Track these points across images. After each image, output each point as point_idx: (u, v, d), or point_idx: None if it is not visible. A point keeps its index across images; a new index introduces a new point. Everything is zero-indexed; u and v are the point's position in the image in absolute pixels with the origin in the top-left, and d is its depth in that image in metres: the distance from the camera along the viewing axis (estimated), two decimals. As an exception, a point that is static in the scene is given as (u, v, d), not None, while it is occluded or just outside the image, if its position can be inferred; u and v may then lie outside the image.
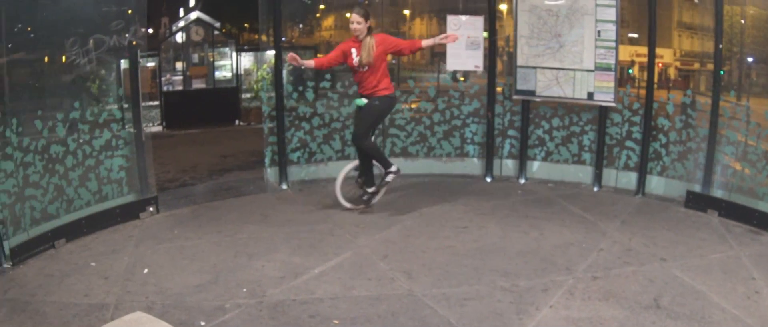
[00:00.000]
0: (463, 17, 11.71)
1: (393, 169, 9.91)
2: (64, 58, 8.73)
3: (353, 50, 9.63)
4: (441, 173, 12.28)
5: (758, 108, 9.67)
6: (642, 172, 11.10)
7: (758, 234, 9.21)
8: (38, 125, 8.39)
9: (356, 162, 10.27)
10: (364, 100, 9.71)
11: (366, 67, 9.56)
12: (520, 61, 11.38)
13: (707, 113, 10.12)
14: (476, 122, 12.32)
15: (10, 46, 8.12)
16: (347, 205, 10.09)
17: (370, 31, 9.63)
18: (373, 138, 10.37)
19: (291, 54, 9.57)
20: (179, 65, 22.18)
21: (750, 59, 10.04)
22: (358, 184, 10.24)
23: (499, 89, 12.04)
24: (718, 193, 10.15)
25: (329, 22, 13.96)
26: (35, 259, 8.11)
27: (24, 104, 8.32)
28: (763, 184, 9.53)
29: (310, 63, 9.95)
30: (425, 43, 10.02)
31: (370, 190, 10.09)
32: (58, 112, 8.67)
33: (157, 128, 19.82)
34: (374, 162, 10.07)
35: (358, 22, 9.52)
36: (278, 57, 11.18)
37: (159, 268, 7.72)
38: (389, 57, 10.13)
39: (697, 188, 10.34)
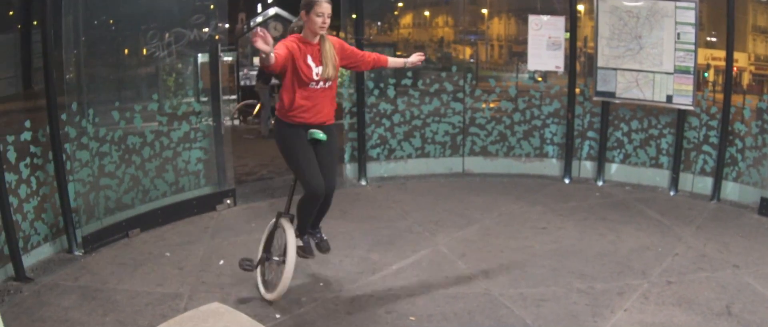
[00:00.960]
0: (545, 17, 11.68)
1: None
2: (144, 51, 8.82)
3: (309, 57, 6.78)
4: (520, 173, 12.24)
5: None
6: (718, 177, 10.95)
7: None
8: (115, 116, 8.51)
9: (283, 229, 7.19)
10: (321, 133, 6.97)
11: (327, 83, 6.90)
12: (600, 62, 11.32)
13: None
14: (556, 123, 12.28)
15: (87, 38, 8.22)
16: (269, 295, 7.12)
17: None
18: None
19: (257, 29, 6.07)
20: (256, 60, 22.27)
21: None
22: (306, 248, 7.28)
23: (578, 90, 11.98)
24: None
25: (408, 20, 13.94)
26: (108, 247, 8.26)
27: (101, 96, 8.42)
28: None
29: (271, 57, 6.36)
30: (392, 61, 7.83)
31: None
32: (136, 103, 8.77)
33: (235, 122, 19.92)
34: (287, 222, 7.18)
35: (329, 16, 6.77)
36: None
37: (235, 259, 7.67)
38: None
39: (771, 195, 10.15)
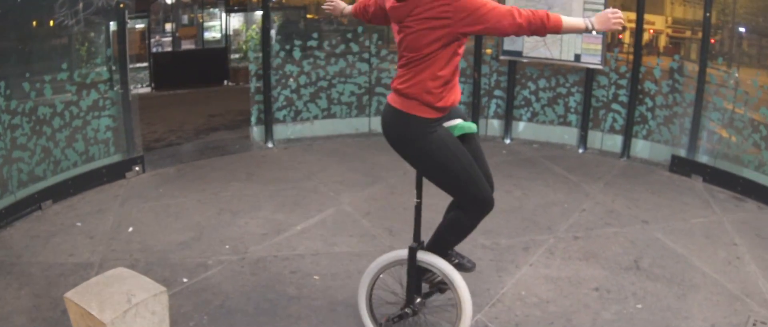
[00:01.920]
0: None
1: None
2: (51, 22, 8.74)
3: None
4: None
5: (746, 77, 9.71)
6: (627, 135, 11.14)
7: (742, 200, 9.31)
8: (26, 87, 8.40)
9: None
10: (470, 122, 5.40)
11: None
12: (507, 22, 11.25)
13: (694, 79, 10.17)
14: (463, 82, 12.26)
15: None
16: None
17: None
18: None
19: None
20: (168, 27, 22.15)
21: (742, 29, 10.07)
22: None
23: (488, 51, 12.07)
24: (703, 158, 10.19)
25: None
26: (22, 221, 8.13)
27: (11, 68, 8.34)
28: (749, 152, 9.58)
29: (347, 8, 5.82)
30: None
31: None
32: (45, 74, 8.68)
33: (146, 89, 19.79)
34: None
35: None
36: (266, 16, 11.16)
37: (144, 226, 7.79)
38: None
39: (682, 153, 10.38)
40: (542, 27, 4.57)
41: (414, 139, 5.05)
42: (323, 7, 5.99)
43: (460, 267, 5.43)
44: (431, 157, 5.05)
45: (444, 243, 5.39)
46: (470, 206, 5.28)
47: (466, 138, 5.29)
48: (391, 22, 5.06)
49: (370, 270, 5.52)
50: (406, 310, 5.42)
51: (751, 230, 8.26)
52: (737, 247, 7.70)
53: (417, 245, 5.30)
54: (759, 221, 8.61)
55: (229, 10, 22.33)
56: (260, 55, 11.24)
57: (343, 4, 5.84)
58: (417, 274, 5.35)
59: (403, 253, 5.34)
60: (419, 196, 5.37)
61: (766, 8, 9.79)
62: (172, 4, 22.52)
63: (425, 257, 5.28)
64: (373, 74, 12.12)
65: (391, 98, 5.05)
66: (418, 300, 5.44)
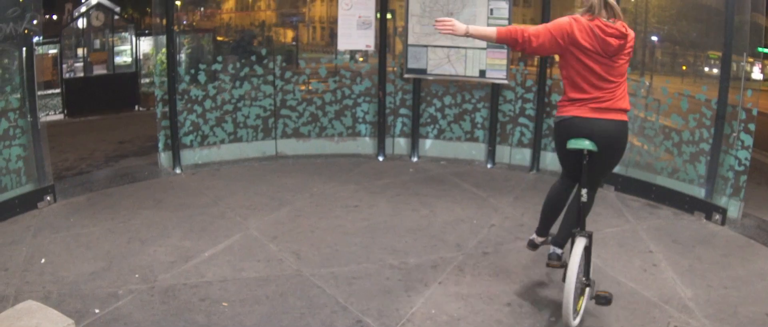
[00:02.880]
0: (355, -4, 11.74)
1: (532, 237, 7.10)
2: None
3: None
4: (333, 153, 12.33)
5: (658, 85, 9.90)
6: (536, 148, 11.36)
7: (656, 207, 9.57)
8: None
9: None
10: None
11: None
12: (411, 40, 11.49)
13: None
14: (368, 101, 12.42)
15: None
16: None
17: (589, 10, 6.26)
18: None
19: (442, 20, 6.37)
20: (81, 52, 21.95)
21: (654, 38, 10.21)
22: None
23: (391, 69, 12.15)
24: (615, 168, 10.29)
25: (230, 4, 13.87)
26: (-64, 253, 8.00)
27: None
28: (662, 159, 9.76)
29: (490, 32, 6.41)
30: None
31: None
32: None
33: (59, 116, 19.55)
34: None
35: None
36: (170, 41, 11.06)
37: (56, 257, 7.71)
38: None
39: (592, 164, 10.44)
40: None
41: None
42: (436, 27, 6.44)
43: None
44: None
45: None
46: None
47: None
48: (594, 54, 6.12)
49: (572, 271, 5.83)
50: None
51: (666, 236, 8.48)
52: (653, 254, 7.89)
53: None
54: (674, 227, 8.85)
55: (139, 34, 22.19)
56: (166, 79, 11.14)
57: (461, 25, 6.35)
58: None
59: (583, 241, 6.08)
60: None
61: (677, 16, 9.96)
62: (84, 28, 22.31)
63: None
64: (278, 96, 12.13)
65: (621, 116, 6.21)
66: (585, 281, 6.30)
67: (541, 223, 6.92)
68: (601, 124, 6.09)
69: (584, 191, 6.23)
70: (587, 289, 6.33)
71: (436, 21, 6.38)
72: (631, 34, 6.23)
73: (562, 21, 6.14)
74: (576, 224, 6.34)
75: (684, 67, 10.25)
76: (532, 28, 6.15)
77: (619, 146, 6.26)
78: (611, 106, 6.13)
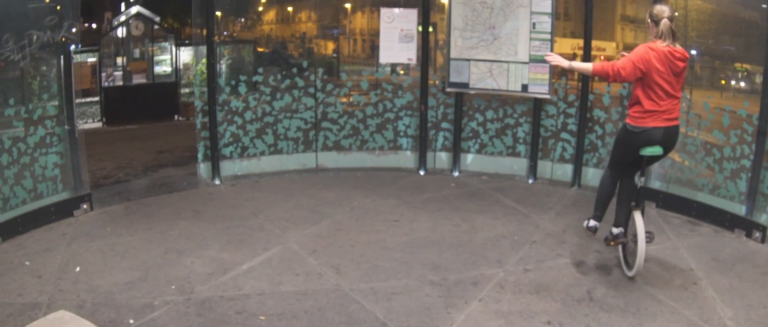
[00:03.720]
0: (396, 10, 11.74)
1: (591, 223, 7.95)
2: (-3, 56, 8.64)
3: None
4: (374, 167, 12.24)
5: (699, 100, 9.78)
6: (578, 163, 11.21)
7: (696, 225, 9.35)
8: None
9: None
10: None
11: None
12: (453, 54, 11.37)
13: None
14: (409, 115, 12.32)
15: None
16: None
17: (659, 35, 7.32)
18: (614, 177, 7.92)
19: (551, 55, 7.82)
20: (120, 60, 21.99)
21: (693, 52, 10.11)
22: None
23: (433, 82, 12.05)
24: (655, 184, 10.26)
25: (271, 15, 13.84)
26: (-29, 259, 7.97)
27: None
28: (703, 175, 9.63)
29: (587, 67, 7.73)
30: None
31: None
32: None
33: (97, 124, 19.58)
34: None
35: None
36: (211, 51, 11.04)
37: (91, 265, 7.65)
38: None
39: (634, 180, 10.34)
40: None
41: None
42: (546, 58, 7.99)
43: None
44: None
45: None
46: None
47: None
48: (665, 75, 7.26)
49: (641, 231, 7.35)
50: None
51: (707, 254, 8.30)
52: (693, 273, 7.72)
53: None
54: (715, 245, 8.66)
55: (179, 44, 22.17)
56: (206, 90, 11.13)
57: (564, 61, 7.84)
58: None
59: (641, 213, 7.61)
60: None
61: (717, 31, 9.83)
62: (123, 37, 22.37)
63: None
64: (319, 109, 12.06)
65: (678, 122, 7.45)
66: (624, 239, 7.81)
67: (598, 210, 7.96)
68: (671, 131, 7.35)
69: (642, 178, 7.63)
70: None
71: (547, 56, 7.96)
72: (687, 55, 7.36)
73: (641, 52, 7.22)
74: (633, 202, 7.67)
75: (723, 82, 10.15)
76: (619, 63, 7.31)
77: (674, 145, 7.62)
78: (675, 115, 7.35)
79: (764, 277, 7.70)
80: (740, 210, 9.21)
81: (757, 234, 8.84)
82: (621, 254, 7.95)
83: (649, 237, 7.54)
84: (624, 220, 7.76)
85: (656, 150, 7.26)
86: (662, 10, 7.29)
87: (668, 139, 7.35)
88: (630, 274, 7.49)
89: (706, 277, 7.57)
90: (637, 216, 7.46)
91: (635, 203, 7.61)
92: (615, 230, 7.72)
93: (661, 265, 7.94)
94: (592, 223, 7.92)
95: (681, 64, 7.22)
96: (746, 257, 8.30)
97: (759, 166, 8.99)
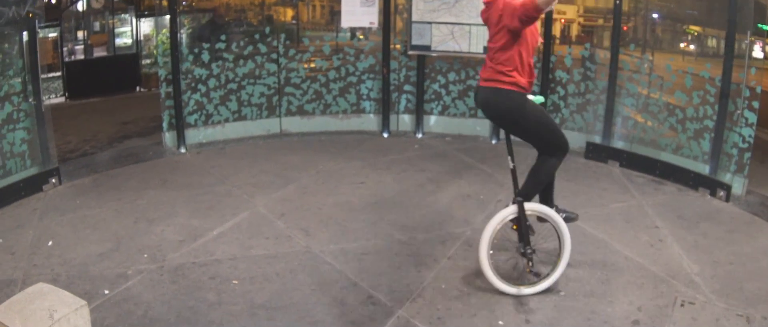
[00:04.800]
0: (359, -27, 11.72)
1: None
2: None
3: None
4: (338, 130, 12.33)
5: (661, 62, 9.92)
6: (540, 123, 11.16)
7: (661, 184, 9.59)
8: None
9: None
10: (541, 97, 6.96)
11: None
12: (415, 17, 11.45)
13: (607, 66, 10.41)
14: (372, 78, 12.43)
15: None
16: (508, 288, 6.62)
17: None
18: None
19: None
20: (81, 34, 21.88)
21: (655, 15, 10.22)
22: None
23: (395, 46, 12.13)
24: (618, 144, 10.46)
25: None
26: (-58, 239, 7.99)
27: None
28: (666, 135, 9.77)
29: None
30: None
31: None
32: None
33: (60, 99, 19.49)
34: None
35: None
36: (173, 21, 11.04)
37: (63, 239, 7.71)
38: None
39: (597, 139, 10.65)
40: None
41: None
42: None
43: (568, 219, 6.76)
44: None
45: (535, 188, 6.63)
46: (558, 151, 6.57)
47: None
48: (490, 22, 6.33)
49: (486, 231, 6.49)
50: (528, 250, 6.55)
51: (672, 212, 8.51)
52: (659, 230, 7.93)
53: (519, 197, 6.51)
54: (679, 203, 8.88)
55: (139, 16, 22.06)
56: (169, 59, 11.12)
57: None
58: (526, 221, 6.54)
59: (512, 208, 6.52)
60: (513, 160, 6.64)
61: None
62: (84, 11, 22.25)
63: (533, 206, 6.58)
64: (281, 74, 12.12)
65: (495, 84, 6.26)
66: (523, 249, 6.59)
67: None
68: (482, 93, 6.45)
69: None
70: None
71: None
72: (501, 2, 6.13)
73: None
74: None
75: (684, 45, 10.28)
76: None
77: (496, 114, 6.55)
78: (489, 75, 6.30)
79: (729, 235, 7.91)
80: (704, 169, 9.45)
81: (721, 193, 9.08)
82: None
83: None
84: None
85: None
86: None
87: (481, 103, 6.54)
88: None
89: (672, 235, 7.79)
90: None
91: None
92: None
93: (628, 222, 8.14)
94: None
95: (484, 13, 6.46)
96: (711, 215, 8.52)
97: (722, 126, 9.18)
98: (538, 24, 6.35)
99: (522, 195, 6.51)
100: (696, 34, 10.14)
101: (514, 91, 6.17)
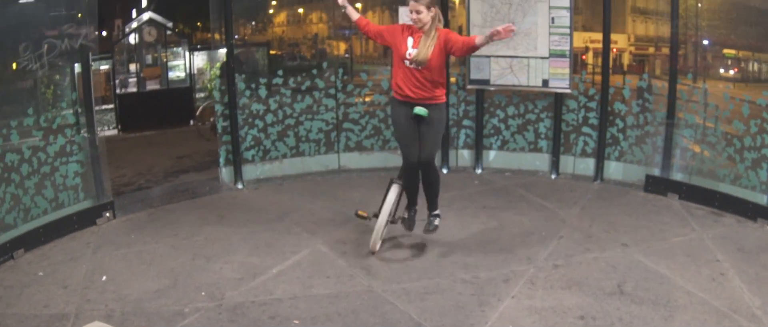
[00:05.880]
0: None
1: (438, 212, 8.40)
2: (14, 65, 8.62)
3: (410, 40, 7.78)
4: (397, 166, 12.06)
5: (715, 90, 9.78)
6: (600, 157, 11.17)
7: (720, 215, 9.34)
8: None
9: (393, 197, 8.27)
10: (423, 109, 7.80)
11: (420, 66, 7.67)
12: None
13: (664, 97, 10.24)
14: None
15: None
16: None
17: (435, 22, 7.74)
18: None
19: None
20: (133, 67, 21.97)
21: (705, 42, 10.09)
22: (407, 221, 8.51)
23: (453, 79, 11.99)
24: (677, 176, 10.26)
25: (282, 18, 13.83)
26: (-6, 271, 7.95)
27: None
28: (724, 166, 9.62)
29: (353, 14, 8.56)
30: (479, 40, 7.46)
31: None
32: (11, 119, 8.55)
33: (113, 132, 19.56)
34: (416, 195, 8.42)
35: (418, 12, 7.61)
36: (230, 54, 10.97)
37: (117, 274, 7.63)
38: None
39: (656, 172, 10.44)
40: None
41: None
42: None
43: (405, 222, 8.50)
44: None
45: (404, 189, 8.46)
46: None
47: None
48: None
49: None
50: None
51: (732, 245, 8.29)
52: (720, 263, 7.71)
53: (395, 179, 8.43)
54: (739, 235, 8.65)
55: (192, 49, 22.12)
56: (226, 94, 11.07)
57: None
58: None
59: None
60: None
61: (729, 20, 9.81)
62: (136, 44, 22.36)
63: (393, 185, 8.33)
64: (339, 110, 12.04)
65: None
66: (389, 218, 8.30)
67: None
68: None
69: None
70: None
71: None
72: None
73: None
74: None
75: (736, 70, 10.16)
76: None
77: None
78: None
79: (789, 266, 7.71)
80: (762, 199, 9.24)
81: (780, 223, 8.83)
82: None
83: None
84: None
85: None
86: None
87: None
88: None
89: (733, 267, 7.58)
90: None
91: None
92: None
93: (689, 256, 7.94)
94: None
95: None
96: (770, 247, 8.32)
97: None
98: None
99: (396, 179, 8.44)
100: (746, 58, 10.00)
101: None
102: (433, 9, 7.68)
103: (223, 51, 11.02)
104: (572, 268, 7.53)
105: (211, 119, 16.11)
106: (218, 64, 10.96)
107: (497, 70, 11.26)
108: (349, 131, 12.18)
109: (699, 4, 10.00)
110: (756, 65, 10.02)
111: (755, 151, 9.29)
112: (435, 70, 7.73)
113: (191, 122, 19.78)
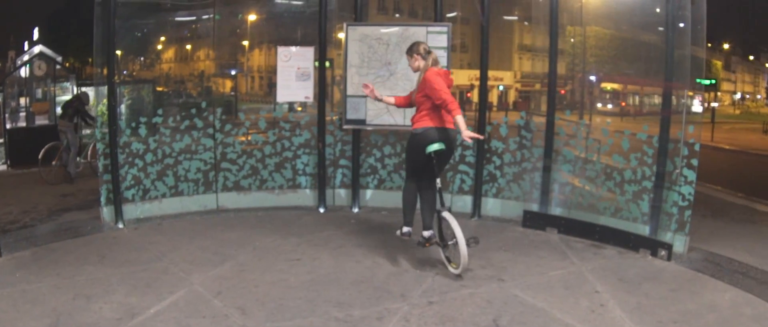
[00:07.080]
0: (293, 48, 11.95)
1: (405, 229, 9.36)
2: None
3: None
4: (274, 206, 12.35)
5: (597, 125, 9.96)
6: (477, 194, 11.49)
7: (600, 248, 9.70)
8: None
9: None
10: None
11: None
12: (349, 91, 11.59)
13: (543, 133, 10.55)
14: (307, 153, 12.51)
15: None
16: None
17: (433, 63, 9.13)
18: (413, 183, 9.36)
19: (366, 84, 9.54)
20: (23, 101, 21.71)
21: (592, 78, 10.29)
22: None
23: (330, 119, 12.20)
24: (556, 210, 10.62)
25: (170, 54, 13.78)
26: None
27: None
28: (604, 198, 9.84)
29: (390, 100, 9.74)
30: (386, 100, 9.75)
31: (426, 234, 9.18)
32: None
33: (2, 167, 19.31)
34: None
35: (412, 58, 9.27)
36: (111, 92, 10.91)
37: (2, 313, 7.60)
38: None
39: (534, 207, 10.79)
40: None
41: None
42: (363, 90, 9.53)
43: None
44: None
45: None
46: None
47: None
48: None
49: (459, 230, 8.49)
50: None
51: (612, 275, 8.60)
52: (600, 295, 7.97)
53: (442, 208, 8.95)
54: (620, 266, 8.97)
55: (80, 84, 21.87)
56: (107, 131, 11.05)
57: (377, 93, 9.49)
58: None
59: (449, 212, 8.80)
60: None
61: (616, 56, 10.01)
62: (27, 77, 22.10)
63: (445, 215, 8.82)
64: (218, 149, 12.15)
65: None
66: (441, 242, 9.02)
67: (407, 217, 9.40)
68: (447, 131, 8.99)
69: (438, 180, 8.95)
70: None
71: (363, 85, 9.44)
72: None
73: (440, 80, 8.83)
74: (438, 205, 9.03)
75: (622, 104, 10.35)
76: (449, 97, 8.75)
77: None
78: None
79: (672, 294, 8.01)
80: (644, 230, 9.66)
81: (663, 252, 9.23)
82: (442, 255, 9.05)
83: (474, 241, 8.55)
84: (431, 221, 9.19)
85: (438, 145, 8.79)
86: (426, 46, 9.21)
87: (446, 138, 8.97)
88: (456, 272, 8.60)
89: (613, 298, 7.85)
90: (450, 216, 8.68)
91: (441, 205, 8.96)
92: (426, 234, 9.11)
93: (567, 289, 8.19)
94: (405, 229, 9.31)
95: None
96: (653, 275, 8.66)
97: (661, 186, 9.43)
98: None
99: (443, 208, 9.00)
100: (627, 93, 10.22)
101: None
102: (414, 56, 9.21)
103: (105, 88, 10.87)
104: (447, 305, 7.68)
105: (54, 162, 16.48)
106: (105, 101, 10.82)
107: (374, 110, 11.50)
108: (226, 171, 12.29)
109: (585, 41, 10.20)
110: (637, 99, 10.25)
111: (636, 184, 9.68)
112: (420, 106, 9.09)
113: (78, 159, 19.56)
